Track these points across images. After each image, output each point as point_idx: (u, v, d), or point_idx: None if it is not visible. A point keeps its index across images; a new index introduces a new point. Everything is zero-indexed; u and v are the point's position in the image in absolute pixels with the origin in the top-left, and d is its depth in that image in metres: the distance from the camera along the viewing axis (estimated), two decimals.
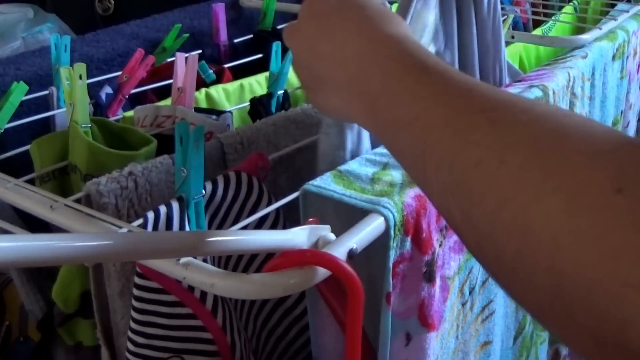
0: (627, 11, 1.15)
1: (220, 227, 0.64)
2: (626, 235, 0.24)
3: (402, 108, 0.36)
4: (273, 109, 0.91)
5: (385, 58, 0.39)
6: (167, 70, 0.97)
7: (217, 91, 1.00)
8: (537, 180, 0.28)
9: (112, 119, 0.88)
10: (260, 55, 1.11)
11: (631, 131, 1.27)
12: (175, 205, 0.58)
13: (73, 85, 0.73)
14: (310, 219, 0.51)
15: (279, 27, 1.25)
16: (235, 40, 1.20)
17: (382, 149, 0.65)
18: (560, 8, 1.42)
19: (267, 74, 0.97)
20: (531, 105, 0.33)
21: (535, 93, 0.80)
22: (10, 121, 0.82)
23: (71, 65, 0.76)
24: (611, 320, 0.24)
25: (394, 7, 1.16)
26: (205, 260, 0.57)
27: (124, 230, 0.55)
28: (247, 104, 0.92)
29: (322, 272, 0.46)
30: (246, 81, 1.03)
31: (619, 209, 0.25)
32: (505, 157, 0.29)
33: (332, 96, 0.44)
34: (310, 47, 0.46)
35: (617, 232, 0.25)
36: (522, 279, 0.29)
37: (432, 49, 0.65)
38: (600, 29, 1.05)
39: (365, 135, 0.66)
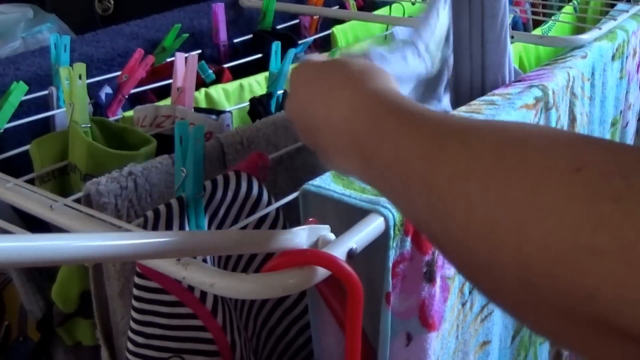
0: (627, 11, 1.15)
1: (219, 226, 0.64)
2: (585, 207, 0.25)
3: (386, 149, 0.39)
4: (273, 108, 0.91)
5: (369, 110, 0.42)
6: (167, 70, 0.97)
7: (217, 91, 1.00)
8: (501, 178, 0.29)
9: (111, 119, 0.88)
10: (259, 55, 1.11)
11: (630, 131, 1.27)
12: (175, 205, 0.58)
13: (73, 85, 0.73)
14: (310, 219, 0.51)
15: (279, 27, 1.26)
16: (235, 40, 1.20)
17: None
18: (560, 8, 1.42)
19: (266, 74, 0.97)
20: (498, 122, 0.36)
21: (535, 93, 0.80)
22: (10, 121, 0.83)
23: (71, 65, 0.76)
24: (580, 293, 0.25)
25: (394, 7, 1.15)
26: (205, 260, 0.57)
27: (124, 230, 0.55)
28: (247, 104, 0.92)
29: (322, 272, 0.46)
30: (246, 81, 1.03)
31: (578, 185, 0.26)
32: (473, 166, 0.31)
33: (333, 155, 0.47)
34: (305, 113, 0.49)
35: (577, 206, 0.25)
36: (496, 277, 0.29)
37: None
38: (600, 29, 1.05)
39: None
